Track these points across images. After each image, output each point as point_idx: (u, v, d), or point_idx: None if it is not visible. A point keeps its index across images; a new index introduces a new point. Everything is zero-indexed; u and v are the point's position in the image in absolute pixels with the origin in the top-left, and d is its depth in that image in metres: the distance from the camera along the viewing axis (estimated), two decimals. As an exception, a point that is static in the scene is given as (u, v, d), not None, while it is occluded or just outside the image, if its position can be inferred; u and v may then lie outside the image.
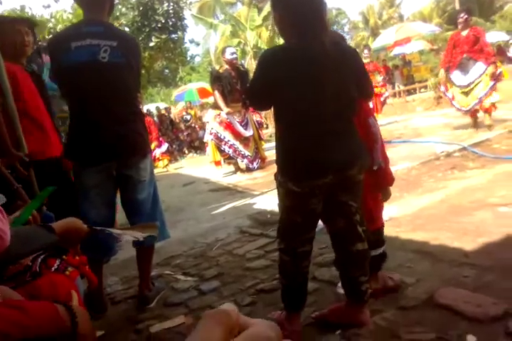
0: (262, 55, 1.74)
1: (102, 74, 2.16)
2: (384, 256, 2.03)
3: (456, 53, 5.90)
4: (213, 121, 6.20)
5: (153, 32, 12.50)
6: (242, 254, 2.94)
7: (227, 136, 6.11)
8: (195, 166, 8.77)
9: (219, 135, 6.14)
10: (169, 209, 4.48)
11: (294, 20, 1.62)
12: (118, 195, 2.40)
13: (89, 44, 2.13)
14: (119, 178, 2.30)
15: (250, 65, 14.39)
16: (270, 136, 10.96)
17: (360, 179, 1.74)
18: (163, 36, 12.46)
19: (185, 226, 3.92)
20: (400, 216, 3.09)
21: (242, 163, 6.34)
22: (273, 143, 7.82)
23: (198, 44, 23.73)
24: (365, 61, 6.27)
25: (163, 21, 12.54)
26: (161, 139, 9.56)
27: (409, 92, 13.65)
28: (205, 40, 29.34)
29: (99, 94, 2.17)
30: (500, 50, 12.04)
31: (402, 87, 13.65)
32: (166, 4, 12.46)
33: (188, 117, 13.01)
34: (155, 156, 8.74)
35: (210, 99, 15.57)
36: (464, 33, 5.81)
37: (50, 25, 9.11)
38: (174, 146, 11.80)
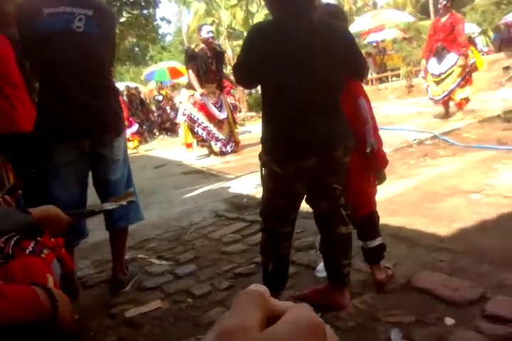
0: (250, 29, 1.72)
1: (75, 44, 2.02)
2: (384, 245, 2.02)
3: (434, 41, 5.93)
4: (187, 102, 6.05)
5: (124, 7, 11.99)
6: (218, 238, 2.90)
7: (200, 117, 5.98)
8: (167, 148, 8.60)
9: (192, 116, 6.00)
10: (141, 192, 4.36)
11: None
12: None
13: (62, 11, 1.99)
14: (92, 157, 2.20)
15: (224, 45, 14.12)
16: (243, 120, 10.88)
17: (345, 161, 1.73)
18: (135, 12, 11.98)
19: (158, 210, 3.84)
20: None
21: (216, 146, 6.24)
22: (247, 127, 7.79)
23: (169, 22, 23.06)
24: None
25: (134, -5, 12.02)
26: (130, 119, 9.30)
27: (381, 80, 13.77)
28: (177, 18, 28.59)
29: (72, 66, 2.04)
30: (471, 42, 12.29)
31: (374, 75, 13.74)
32: (138, -22, 11.93)
33: (160, 98, 12.71)
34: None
35: (182, 80, 15.27)
36: (443, 19, 5.79)
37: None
38: (144, 127, 11.54)
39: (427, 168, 3.95)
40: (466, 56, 5.69)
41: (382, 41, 15.81)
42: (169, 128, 11.76)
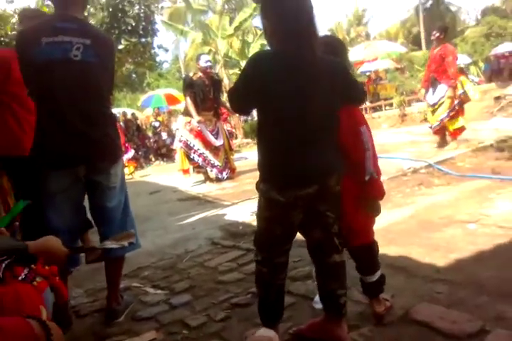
0: (251, 59, 1.71)
1: (73, 73, 2.05)
2: (384, 278, 1.99)
3: (428, 71, 6.11)
4: (183, 129, 6.12)
5: (122, 35, 12.25)
6: (213, 267, 2.87)
7: (197, 144, 6.04)
8: (162, 174, 8.61)
9: (189, 143, 6.05)
10: (136, 219, 4.32)
11: (287, 28, 1.60)
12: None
13: (61, 41, 2.02)
14: (88, 184, 2.19)
15: (221, 73, 14.36)
16: (239, 147, 10.96)
17: (337, 190, 1.74)
18: (133, 39, 12.23)
19: (153, 237, 3.80)
20: (372, 230, 3.11)
21: (212, 173, 6.27)
22: (243, 154, 7.83)
23: (166, 50, 23.55)
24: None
25: (133, 24, 12.29)
26: (127, 145, 9.34)
27: (374, 109, 14.03)
28: (174, 47, 29.20)
29: (70, 94, 2.06)
30: (462, 72, 12.62)
31: (368, 104, 13.99)
32: (137, 7, 12.23)
33: (157, 124, 12.82)
34: (120, 162, 8.52)
35: (178, 106, 15.45)
36: (436, 50, 5.96)
37: (14, 20, 8.75)
38: (140, 153, 11.57)
39: (423, 196, 3.97)
40: (455, 88, 5.80)
41: (375, 71, 16.19)
42: (165, 154, 11.82)
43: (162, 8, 15.46)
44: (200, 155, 6.04)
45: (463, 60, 15.87)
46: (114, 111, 14.67)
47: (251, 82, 1.66)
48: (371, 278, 1.94)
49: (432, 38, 6.05)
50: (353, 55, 16.09)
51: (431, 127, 6.25)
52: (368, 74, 16.69)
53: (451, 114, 5.89)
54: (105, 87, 2.22)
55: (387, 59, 16.58)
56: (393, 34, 29.52)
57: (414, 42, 28.24)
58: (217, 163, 6.09)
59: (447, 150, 5.91)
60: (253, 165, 7.06)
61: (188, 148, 6.06)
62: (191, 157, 6.09)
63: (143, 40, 12.97)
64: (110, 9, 11.48)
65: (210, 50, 16.21)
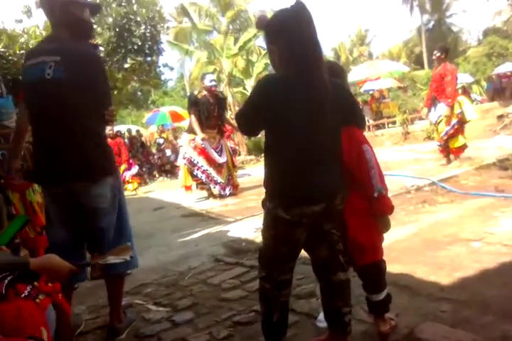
0: (261, 81, 1.74)
1: (47, 90, 2.08)
2: (390, 297, 1.97)
3: (430, 90, 6.19)
4: (187, 146, 6.17)
5: (128, 54, 12.46)
6: (216, 284, 2.86)
7: (200, 161, 6.08)
8: (166, 190, 8.63)
9: (192, 160, 6.09)
10: (139, 235, 4.32)
11: (294, 52, 1.64)
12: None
13: (40, 61, 2.08)
14: (73, 206, 2.14)
15: (225, 91, 14.55)
16: (242, 163, 11.00)
17: (341, 209, 1.78)
18: (139, 58, 12.44)
19: (156, 253, 3.80)
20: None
21: (215, 189, 6.29)
22: (246, 170, 7.86)
23: (172, 68, 23.97)
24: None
25: (139, 44, 12.52)
26: (131, 161, 9.41)
27: (377, 127, 14.11)
28: (180, 65, 29.65)
29: (47, 112, 2.10)
30: (465, 92, 12.76)
31: (371, 122, 14.09)
32: (143, 27, 12.48)
33: (161, 141, 12.92)
34: (124, 179, 8.55)
35: (183, 124, 15.59)
36: (437, 70, 6.06)
37: (22, 40, 8.94)
38: (144, 169, 11.63)
39: (426, 214, 3.96)
40: (452, 107, 5.85)
41: (379, 90, 16.35)
42: (169, 170, 11.86)
43: (168, 28, 15.75)
44: (203, 172, 6.07)
45: (465, 79, 16.03)
46: (119, 127, 14.85)
47: (260, 106, 1.68)
48: (378, 296, 1.93)
49: (433, 57, 6.14)
50: (356, 74, 16.31)
51: (440, 145, 6.28)
52: (371, 92, 16.86)
53: (450, 132, 5.94)
54: (80, 104, 2.08)
55: (390, 78, 16.75)
56: (395, 54, 29.91)
57: (417, 62, 28.59)
58: (220, 179, 6.12)
59: (450, 168, 5.92)
60: (256, 182, 7.09)
61: (191, 164, 6.10)
62: (195, 173, 6.12)
63: (148, 59, 13.17)
64: (117, 29, 11.70)
65: (214, 69, 16.47)
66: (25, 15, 10.31)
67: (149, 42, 12.89)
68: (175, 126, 16.78)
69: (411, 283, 2.45)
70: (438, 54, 5.97)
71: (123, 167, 8.56)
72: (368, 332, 1.99)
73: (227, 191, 6.20)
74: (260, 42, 18.07)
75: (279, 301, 1.81)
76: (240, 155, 12.49)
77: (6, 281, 1.44)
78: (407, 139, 10.94)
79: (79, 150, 2.09)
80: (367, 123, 14.50)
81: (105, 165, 2.18)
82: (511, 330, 1.82)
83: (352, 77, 14.94)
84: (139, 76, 13.63)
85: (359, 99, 15.39)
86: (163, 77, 17.95)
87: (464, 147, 6.09)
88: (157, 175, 12.24)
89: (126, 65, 12.44)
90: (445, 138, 5.97)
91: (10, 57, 7.77)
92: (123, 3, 11.70)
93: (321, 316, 2.07)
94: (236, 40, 16.49)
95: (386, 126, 14.03)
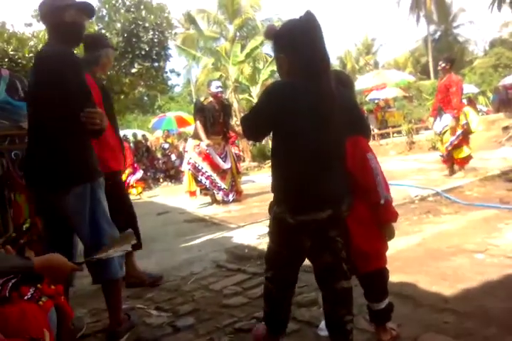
0: (270, 87, 1.76)
1: (28, 96, 2.32)
2: (392, 306, 1.97)
3: (436, 101, 6.21)
4: (192, 151, 6.20)
5: (136, 59, 12.57)
6: (218, 290, 2.85)
7: (205, 167, 6.10)
8: (170, 195, 8.64)
9: (197, 165, 6.11)
10: (142, 239, 4.33)
11: (303, 61, 1.66)
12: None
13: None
14: (57, 208, 2.16)
15: (231, 98, 14.62)
16: (247, 170, 11.01)
17: (345, 215, 1.79)
18: (146, 64, 12.54)
19: (158, 258, 3.80)
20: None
21: (218, 195, 6.30)
22: (250, 177, 7.84)
23: (178, 74, 24.06)
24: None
25: (147, 49, 12.63)
26: (135, 166, 9.43)
27: (382, 136, 14.10)
28: (186, 71, 29.82)
29: (29, 116, 2.23)
30: (471, 102, 12.77)
31: (376, 131, 14.08)
32: (151, 33, 12.59)
33: (166, 146, 12.98)
34: (129, 183, 8.58)
35: (188, 129, 15.66)
36: (442, 80, 6.09)
37: (32, 43, 9.04)
38: (149, 174, 11.66)
39: (430, 224, 3.94)
40: (457, 118, 5.86)
41: (385, 99, 16.38)
42: (173, 175, 11.90)
43: (175, 33, 15.87)
44: (207, 177, 6.09)
45: (470, 89, 16.05)
46: (125, 132, 14.91)
47: (267, 111, 1.70)
48: (379, 305, 1.93)
49: (439, 68, 6.16)
50: (362, 83, 16.36)
51: (442, 156, 6.27)
52: (376, 101, 16.88)
53: (455, 142, 5.94)
54: (49, 106, 2.02)
55: (396, 87, 16.79)
56: (401, 63, 29.99)
57: (423, 72, 28.65)
58: (223, 185, 6.13)
59: (455, 178, 5.91)
60: (260, 189, 7.09)
61: (196, 170, 6.12)
62: (199, 179, 6.14)
63: (156, 64, 13.29)
64: (125, 35, 11.83)
65: (221, 76, 16.55)
66: (34, 19, 10.44)
67: (157, 48, 13.01)
68: (180, 131, 16.85)
69: (414, 294, 2.43)
70: (443, 65, 5.99)
71: (128, 171, 8.58)
72: (369, 342, 1.98)
73: (231, 197, 6.21)
74: (267, 49, 18.21)
75: (283, 300, 1.87)
76: (244, 161, 12.50)
77: (10, 284, 1.46)
78: (411, 149, 10.92)
79: (42, 156, 2.08)
80: (372, 132, 14.52)
81: (79, 173, 2.08)
82: (514, 343, 1.81)
83: (358, 85, 14.97)
84: (145, 81, 13.74)
85: (364, 108, 15.42)
86: (169, 83, 18.01)
87: (468, 158, 6.09)
88: (161, 180, 12.27)
89: (134, 70, 12.55)
90: (450, 148, 5.98)
91: (19, 60, 7.85)
92: (132, 9, 11.82)
93: (322, 324, 2.06)
94: (243, 47, 16.58)
95: (391, 135, 14.01)
